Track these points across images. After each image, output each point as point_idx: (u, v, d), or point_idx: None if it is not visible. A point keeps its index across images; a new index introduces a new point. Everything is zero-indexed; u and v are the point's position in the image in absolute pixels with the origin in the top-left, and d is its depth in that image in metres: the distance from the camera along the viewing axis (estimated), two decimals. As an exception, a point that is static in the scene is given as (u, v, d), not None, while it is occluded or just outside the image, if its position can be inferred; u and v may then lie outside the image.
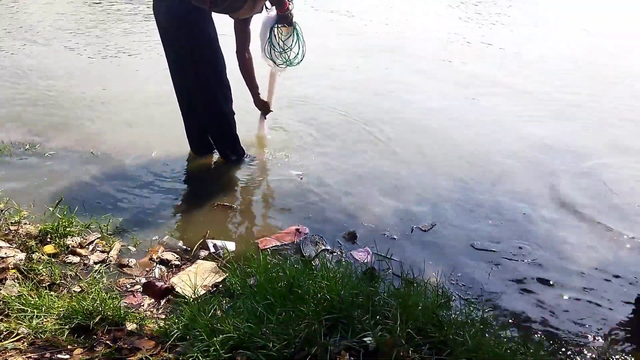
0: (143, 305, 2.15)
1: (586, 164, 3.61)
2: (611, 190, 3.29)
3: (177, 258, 2.49)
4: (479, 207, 3.07)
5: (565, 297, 2.40)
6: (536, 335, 2.15)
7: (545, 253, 2.70)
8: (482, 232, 2.84)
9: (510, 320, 2.23)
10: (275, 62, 3.23)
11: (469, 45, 6.54)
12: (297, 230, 2.73)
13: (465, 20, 7.99)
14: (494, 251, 2.69)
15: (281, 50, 3.17)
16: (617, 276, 2.56)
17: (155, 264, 2.43)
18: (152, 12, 3.01)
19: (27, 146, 3.39)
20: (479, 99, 4.76)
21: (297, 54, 3.20)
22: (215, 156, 3.45)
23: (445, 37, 6.86)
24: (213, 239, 2.61)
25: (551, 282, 2.49)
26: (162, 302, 2.18)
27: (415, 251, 2.64)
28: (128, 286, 2.25)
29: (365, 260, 2.49)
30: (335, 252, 2.56)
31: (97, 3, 7.65)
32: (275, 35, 3.12)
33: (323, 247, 2.58)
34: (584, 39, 7.04)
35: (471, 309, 2.07)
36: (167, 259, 2.46)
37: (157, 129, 3.80)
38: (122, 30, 6.37)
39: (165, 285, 2.23)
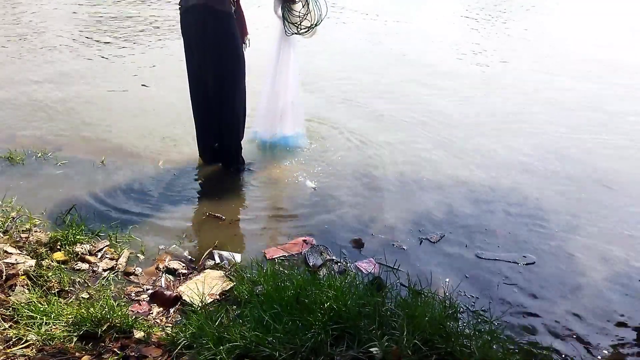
0: (152, 313, 2.16)
1: (597, 175, 3.59)
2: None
3: (183, 267, 2.50)
4: (490, 219, 3.07)
5: (575, 311, 2.38)
6: (544, 351, 2.13)
7: (556, 265, 2.68)
8: (491, 244, 2.82)
9: (518, 333, 2.21)
10: (300, 34, 3.31)
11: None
12: (304, 241, 2.73)
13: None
14: (503, 261, 2.68)
15: (299, 24, 3.26)
16: (626, 294, 2.54)
17: (162, 272, 2.44)
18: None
19: (40, 154, 3.43)
20: (492, 104, 4.76)
21: (316, 19, 3.26)
22: (222, 168, 3.47)
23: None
24: (220, 249, 2.62)
25: (560, 295, 2.47)
26: (171, 310, 2.19)
27: (423, 262, 2.64)
28: (134, 295, 2.27)
29: (371, 271, 2.49)
30: (340, 262, 2.56)
31: (112, 17, 7.75)
32: (287, 16, 3.23)
33: (328, 257, 2.58)
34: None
35: (479, 320, 2.07)
36: (174, 268, 2.48)
37: (168, 139, 3.84)
38: (142, 40, 6.44)
39: (174, 295, 2.24)
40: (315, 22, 3.25)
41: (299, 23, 3.24)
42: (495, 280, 2.53)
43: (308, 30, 3.27)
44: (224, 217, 2.91)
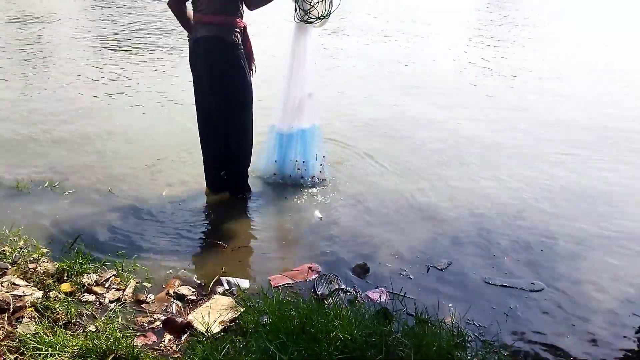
0: (164, 342, 2.16)
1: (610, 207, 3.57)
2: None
3: (193, 293, 2.50)
4: (498, 244, 3.05)
5: (586, 338, 2.35)
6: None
7: (564, 291, 2.65)
8: (499, 270, 2.80)
9: (527, 362, 2.18)
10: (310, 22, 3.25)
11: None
12: (310, 268, 2.73)
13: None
14: (511, 288, 2.65)
15: (308, 12, 3.20)
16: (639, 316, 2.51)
17: (172, 299, 2.44)
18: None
19: (47, 184, 3.47)
20: (499, 130, 4.79)
21: (327, 10, 3.21)
22: (228, 195, 3.49)
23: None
24: (227, 275, 2.62)
25: (570, 322, 2.44)
26: (183, 337, 2.18)
27: (431, 290, 2.61)
28: (146, 324, 2.26)
29: (380, 300, 2.47)
30: (349, 292, 2.55)
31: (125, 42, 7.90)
32: (300, 2, 3.19)
33: (337, 286, 2.57)
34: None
35: (487, 350, 2.04)
36: (183, 294, 2.48)
37: (174, 169, 3.87)
38: (148, 71, 6.55)
39: (186, 321, 2.24)
40: (325, 14, 3.21)
41: (308, 10, 3.18)
42: (503, 308, 2.50)
43: (317, 20, 3.22)
44: (225, 245, 2.92)
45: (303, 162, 3.56)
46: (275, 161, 3.59)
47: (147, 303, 2.41)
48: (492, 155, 4.32)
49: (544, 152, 4.42)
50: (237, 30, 3.04)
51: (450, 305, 2.48)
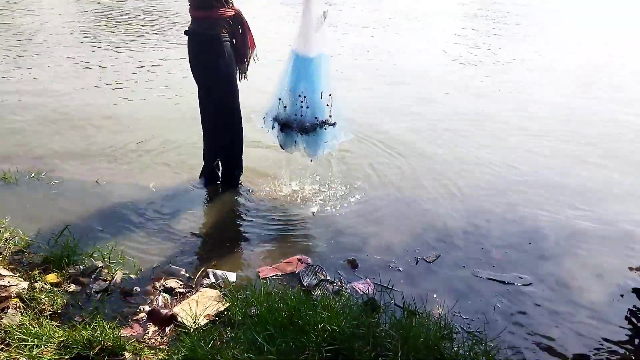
0: (148, 333, 2.14)
1: (596, 202, 3.60)
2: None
3: (181, 285, 2.48)
4: (486, 239, 3.06)
5: (572, 331, 2.37)
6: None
7: (551, 285, 2.67)
8: (487, 264, 2.82)
9: (513, 354, 2.20)
10: None
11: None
12: (299, 260, 2.72)
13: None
14: (498, 282, 2.67)
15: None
16: (622, 312, 2.53)
17: (159, 291, 2.43)
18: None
19: (33, 174, 3.43)
20: (498, 130, 4.82)
21: None
22: (219, 188, 3.47)
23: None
24: (216, 268, 2.61)
25: (557, 316, 2.46)
26: (167, 330, 2.17)
27: (419, 282, 2.63)
28: (131, 315, 2.25)
29: (367, 292, 2.47)
30: (335, 283, 2.55)
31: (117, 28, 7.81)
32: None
33: (323, 277, 2.57)
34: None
35: (474, 341, 2.05)
36: (171, 287, 2.46)
37: (164, 159, 3.84)
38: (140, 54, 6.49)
39: (170, 313, 2.23)
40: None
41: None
42: (491, 301, 2.52)
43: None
44: (205, 237, 2.92)
45: (305, 97, 3.12)
46: (280, 100, 3.18)
47: (134, 295, 2.39)
48: (483, 149, 4.34)
49: (534, 145, 4.45)
50: (222, 21, 3.03)
51: (438, 297, 2.49)
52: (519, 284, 2.66)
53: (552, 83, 6.46)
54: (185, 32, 3.14)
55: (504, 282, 2.67)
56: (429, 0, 12.58)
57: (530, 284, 2.67)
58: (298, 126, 3.12)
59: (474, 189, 3.67)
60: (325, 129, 3.14)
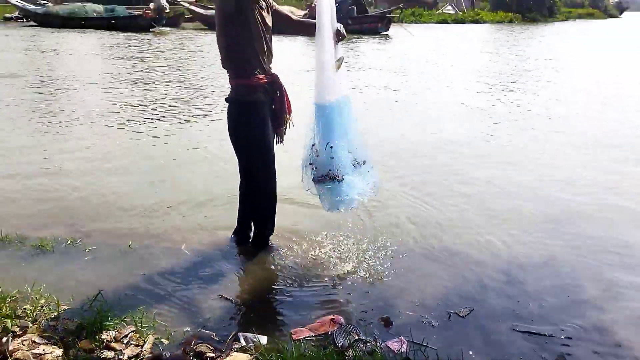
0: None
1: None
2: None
3: (211, 350, 2.46)
4: (522, 289, 2.98)
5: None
6: None
7: (593, 338, 2.56)
8: (524, 318, 2.72)
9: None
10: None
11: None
12: (332, 319, 2.68)
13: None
14: (538, 335, 2.56)
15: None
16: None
17: (189, 356, 2.41)
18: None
19: (69, 241, 3.52)
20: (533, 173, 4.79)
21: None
22: (250, 248, 3.48)
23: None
24: (246, 332, 2.58)
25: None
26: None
27: (453, 338, 2.54)
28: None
29: (401, 350, 2.41)
30: (369, 342, 2.49)
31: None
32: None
33: (357, 337, 2.52)
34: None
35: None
36: (201, 351, 2.44)
37: (193, 222, 3.90)
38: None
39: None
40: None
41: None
42: (532, 356, 2.41)
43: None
44: (236, 300, 2.91)
45: (331, 147, 3.02)
46: (313, 145, 3.11)
47: (164, 360, 2.38)
48: (513, 196, 4.30)
49: (572, 198, 4.39)
50: (260, 87, 3.11)
51: (475, 354, 2.40)
52: (561, 337, 2.55)
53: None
54: (226, 100, 3.21)
55: (544, 335, 2.56)
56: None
57: (572, 337, 2.56)
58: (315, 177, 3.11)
59: (508, 238, 3.60)
60: (331, 184, 3.04)
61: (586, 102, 8.58)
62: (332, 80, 3.07)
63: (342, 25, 3.16)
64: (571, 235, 3.66)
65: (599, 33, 28.55)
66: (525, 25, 32.38)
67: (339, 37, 3.12)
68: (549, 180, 4.78)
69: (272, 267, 3.28)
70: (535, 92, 9.41)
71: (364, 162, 3.19)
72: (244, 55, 3.04)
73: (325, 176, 3.05)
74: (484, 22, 35.08)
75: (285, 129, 3.32)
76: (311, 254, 3.39)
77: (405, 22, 30.02)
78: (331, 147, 3.02)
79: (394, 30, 23.87)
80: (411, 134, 6.53)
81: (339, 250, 3.42)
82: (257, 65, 3.08)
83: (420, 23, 32.89)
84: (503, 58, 14.52)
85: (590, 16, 47.52)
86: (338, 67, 3.11)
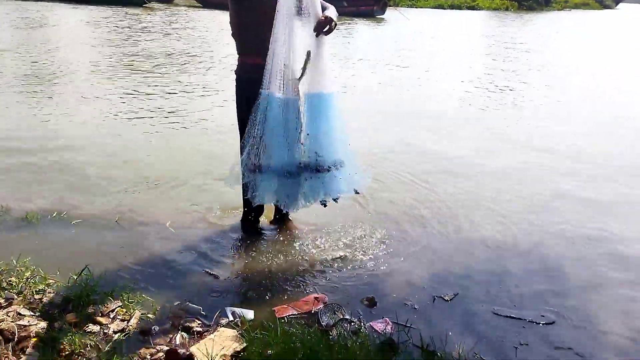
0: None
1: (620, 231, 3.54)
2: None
3: (199, 325, 2.48)
4: (506, 276, 3.03)
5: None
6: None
7: (575, 325, 2.61)
8: (507, 302, 2.76)
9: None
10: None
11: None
12: (316, 298, 2.70)
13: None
14: (520, 320, 2.61)
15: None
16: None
17: (177, 331, 2.42)
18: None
19: (55, 214, 3.49)
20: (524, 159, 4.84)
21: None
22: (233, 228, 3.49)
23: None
24: (232, 306, 2.60)
25: (581, 356, 2.39)
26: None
27: (437, 321, 2.58)
28: (149, 356, 2.24)
29: (385, 331, 2.44)
30: (354, 322, 2.52)
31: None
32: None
33: (341, 317, 2.55)
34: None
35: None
36: (189, 326, 2.46)
37: (184, 196, 3.90)
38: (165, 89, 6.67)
39: (187, 353, 2.21)
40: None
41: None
42: (512, 340, 2.46)
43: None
44: (223, 276, 2.92)
45: (308, 134, 2.79)
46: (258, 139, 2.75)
47: (152, 334, 2.39)
48: (504, 184, 4.35)
49: (559, 181, 4.46)
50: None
51: (457, 337, 2.44)
52: (541, 323, 2.60)
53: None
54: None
55: (525, 320, 2.61)
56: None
57: (553, 322, 2.61)
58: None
59: (494, 224, 3.65)
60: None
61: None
62: (282, 73, 2.70)
63: (333, 10, 2.83)
64: (559, 221, 3.71)
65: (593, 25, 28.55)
66: (521, 13, 32.26)
67: (322, 27, 2.72)
68: (538, 166, 4.83)
69: (260, 247, 3.29)
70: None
71: (335, 166, 2.86)
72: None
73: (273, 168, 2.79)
74: (480, 8, 34.90)
75: None
76: (299, 236, 3.40)
77: (402, 6, 29.76)
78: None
79: (389, 13, 23.69)
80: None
81: (326, 233, 3.43)
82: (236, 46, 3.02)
83: (417, 8, 32.62)
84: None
85: (586, 6, 47.44)
86: (303, 70, 2.75)
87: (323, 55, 2.79)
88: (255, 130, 2.74)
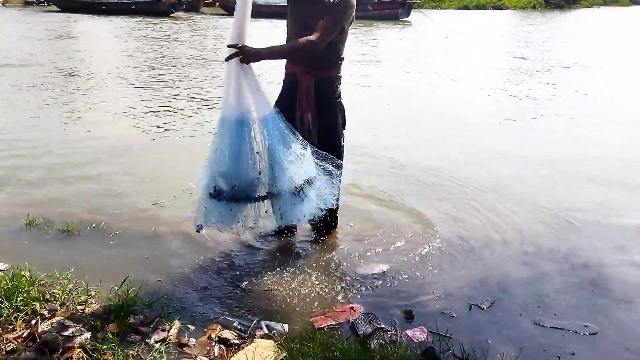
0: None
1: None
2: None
3: (235, 337, 2.49)
4: (545, 284, 2.97)
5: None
6: None
7: (619, 335, 2.54)
8: (547, 311, 2.70)
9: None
10: None
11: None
12: (352, 308, 2.69)
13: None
14: (562, 330, 2.55)
15: None
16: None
17: (214, 342, 2.44)
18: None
19: (94, 225, 3.57)
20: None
21: None
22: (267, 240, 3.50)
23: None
24: (268, 319, 2.60)
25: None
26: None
27: (476, 331, 2.53)
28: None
29: (422, 340, 2.41)
30: (390, 332, 2.50)
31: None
32: None
33: (378, 326, 2.53)
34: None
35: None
36: (226, 338, 2.47)
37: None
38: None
39: (227, 366, 2.23)
40: None
41: None
42: (556, 351, 2.40)
43: None
44: (258, 289, 2.92)
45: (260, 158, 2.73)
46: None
47: (189, 346, 2.41)
48: (543, 191, 4.30)
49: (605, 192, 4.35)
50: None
51: (498, 347, 2.39)
52: (584, 333, 2.53)
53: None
54: None
55: (568, 330, 2.55)
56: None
57: (596, 332, 2.54)
58: None
59: (532, 232, 3.58)
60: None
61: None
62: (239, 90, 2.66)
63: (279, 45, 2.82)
64: (598, 229, 3.62)
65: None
66: (550, 13, 31.67)
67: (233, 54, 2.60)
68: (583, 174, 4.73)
69: (293, 257, 3.29)
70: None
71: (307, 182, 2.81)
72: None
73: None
74: (506, 8, 34.47)
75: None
76: (332, 246, 3.40)
77: (425, 8, 29.61)
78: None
79: (414, 16, 23.60)
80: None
81: (360, 242, 3.42)
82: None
83: (441, 9, 32.41)
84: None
85: (615, 3, 46.35)
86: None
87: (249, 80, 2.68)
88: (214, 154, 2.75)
